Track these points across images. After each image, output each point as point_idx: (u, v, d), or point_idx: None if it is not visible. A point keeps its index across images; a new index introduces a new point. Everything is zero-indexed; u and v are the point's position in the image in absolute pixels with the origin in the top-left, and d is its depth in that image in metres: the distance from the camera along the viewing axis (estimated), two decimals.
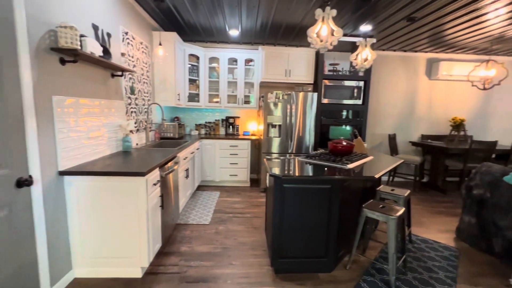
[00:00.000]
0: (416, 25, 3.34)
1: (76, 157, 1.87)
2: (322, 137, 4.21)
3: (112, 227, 1.83)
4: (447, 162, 4.30)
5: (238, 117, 4.62)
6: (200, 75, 4.24)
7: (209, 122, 4.65)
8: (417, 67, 4.80)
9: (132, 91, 2.82)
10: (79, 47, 1.69)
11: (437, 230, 2.85)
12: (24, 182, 1.43)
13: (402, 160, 2.58)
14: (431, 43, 4.16)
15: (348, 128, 4.32)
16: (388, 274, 2.01)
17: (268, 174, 2.20)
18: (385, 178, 4.93)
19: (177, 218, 2.78)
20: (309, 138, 3.98)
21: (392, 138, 4.58)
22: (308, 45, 4.40)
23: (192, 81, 4.25)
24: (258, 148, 4.50)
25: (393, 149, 4.63)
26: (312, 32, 1.99)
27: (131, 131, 2.76)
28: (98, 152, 2.16)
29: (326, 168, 2.09)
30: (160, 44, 3.20)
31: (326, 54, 4.34)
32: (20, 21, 1.40)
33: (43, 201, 1.57)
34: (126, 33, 2.67)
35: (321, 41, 2.04)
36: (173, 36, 3.48)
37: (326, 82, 4.06)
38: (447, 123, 4.94)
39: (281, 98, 3.82)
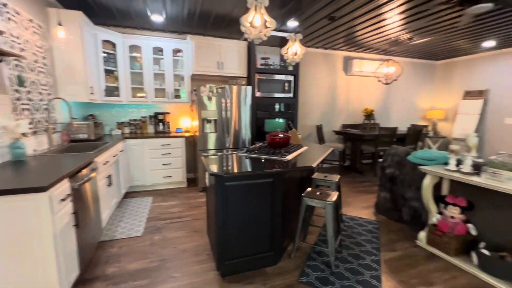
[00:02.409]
0: (335, 24, 3.66)
1: None
2: (258, 130, 4.25)
3: (6, 260, 1.36)
4: (362, 147, 4.97)
5: (169, 113, 4.22)
6: (118, 66, 3.66)
7: (134, 120, 4.10)
8: (336, 64, 5.34)
9: (21, 82, 2.18)
10: None
11: (361, 207, 3.25)
12: None
13: (332, 148, 2.80)
14: (346, 42, 4.67)
15: (281, 120, 4.49)
16: (327, 256, 2.15)
17: (207, 173, 2.04)
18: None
19: (99, 235, 2.33)
20: (246, 132, 3.95)
21: (319, 129, 5.01)
22: (239, 37, 4.33)
23: (109, 72, 3.63)
24: (194, 146, 4.23)
25: (321, 139, 5.07)
26: (245, 21, 1.90)
27: (23, 134, 2.15)
28: None
29: (266, 162, 2.07)
30: (60, 24, 2.58)
31: (257, 48, 4.36)
32: None
33: None
34: (5, 5, 2.02)
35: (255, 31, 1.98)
36: (78, 16, 2.86)
37: (259, 75, 4.09)
38: (361, 113, 5.69)
39: (215, 91, 3.65)
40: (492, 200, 2.03)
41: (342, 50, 5.23)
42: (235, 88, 3.78)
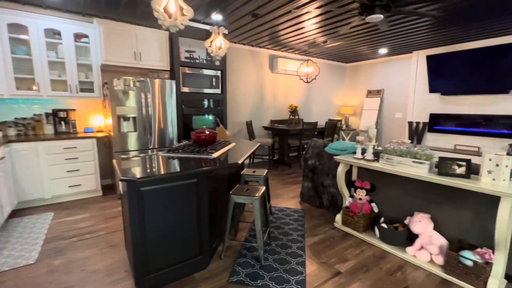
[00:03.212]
0: (259, 22, 3.72)
1: None
2: (186, 128, 4.00)
3: None
4: (289, 141, 5.30)
5: (74, 110, 3.55)
6: None
7: (24, 118, 3.28)
8: (262, 62, 5.51)
9: None
10: None
11: (288, 198, 3.44)
12: None
13: (258, 144, 2.85)
14: (270, 41, 4.85)
15: (210, 117, 4.36)
16: (257, 250, 2.17)
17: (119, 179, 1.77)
18: (247, 161, 5.46)
19: None
20: (172, 130, 3.67)
21: (249, 125, 5.08)
22: (160, 26, 3.95)
23: None
24: (110, 147, 3.68)
25: (251, 134, 5.16)
26: (157, 5, 1.70)
27: None
28: None
29: (190, 161, 1.93)
30: None
31: (181, 40, 4.08)
32: None
33: None
34: None
35: (170, 18, 1.79)
36: None
37: (185, 69, 3.84)
38: (287, 109, 6.06)
39: (131, 85, 3.24)
40: (388, 181, 2.43)
41: (268, 48, 5.42)
42: (157, 82, 3.44)
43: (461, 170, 1.79)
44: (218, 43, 2.72)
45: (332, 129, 5.51)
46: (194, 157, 2.05)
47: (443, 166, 1.83)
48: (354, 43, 4.85)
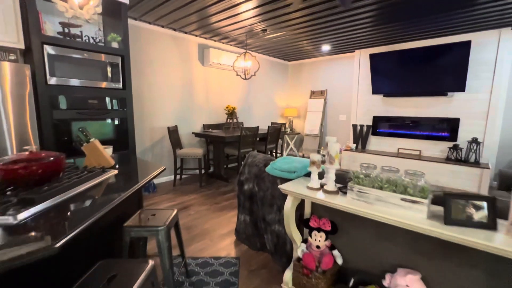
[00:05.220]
0: None
1: None
2: (61, 141, 2.62)
3: None
4: (226, 150, 4.33)
5: None
6: None
7: None
8: (190, 51, 4.40)
9: None
10: None
11: (220, 237, 2.45)
12: None
13: (163, 168, 1.77)
14: (198, 25, 3.80)
15: (113, 122, 3.07)
16: None
17: None
18: (170, 179, 4.25)
19: None
20: (37, 146, 2.28)
21: (172, 131, 3.91)
22: None
23: None
24: None
25: (176, 143, 4.00)
26: None
27: None
28: None
29: None
30: None
31: (51, 7, 2.68)
32: None
33: None
34: None
35: None
36: None
37: (51, 49, 2.47)
38: (223, 111, 5.07)
39: None
40: (355, 217, 1.65)
41: (196, 35, 4.35)
42: (4, 65, 2.04)
43: (480, 216, 1.08)
44: None
45: (276, 134, 4.77)
46: None
47: (453, 209, 1.10)
48: (296, 35, 4.17)
